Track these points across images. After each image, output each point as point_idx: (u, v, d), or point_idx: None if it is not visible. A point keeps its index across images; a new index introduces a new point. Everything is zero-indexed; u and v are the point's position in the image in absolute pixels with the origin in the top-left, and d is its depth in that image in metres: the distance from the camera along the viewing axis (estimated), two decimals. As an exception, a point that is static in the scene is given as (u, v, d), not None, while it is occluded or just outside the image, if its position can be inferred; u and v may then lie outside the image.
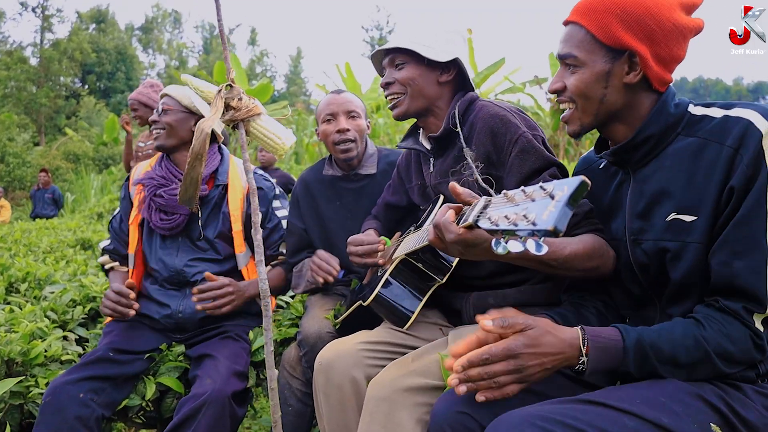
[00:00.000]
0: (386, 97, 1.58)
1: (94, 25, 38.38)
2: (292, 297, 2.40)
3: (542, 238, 0.77)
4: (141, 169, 2.09)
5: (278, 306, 2.36)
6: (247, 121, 1.15)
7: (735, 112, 1.04)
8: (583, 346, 0.98)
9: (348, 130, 1.97)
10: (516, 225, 0.78)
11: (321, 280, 1.80)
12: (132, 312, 1.81)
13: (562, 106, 1.17)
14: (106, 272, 2.20)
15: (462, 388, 0.96)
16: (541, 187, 0.79)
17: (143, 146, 4.67)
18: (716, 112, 1.07)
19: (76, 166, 16.33)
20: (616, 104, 1.12)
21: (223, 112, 1.11)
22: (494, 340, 1.00)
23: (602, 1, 1.10)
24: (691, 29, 1.11)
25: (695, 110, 1.11)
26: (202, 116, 2.03)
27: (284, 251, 2.11)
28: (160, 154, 2.08)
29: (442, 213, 1.03)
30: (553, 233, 0.73)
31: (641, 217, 1.13)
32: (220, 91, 1.10)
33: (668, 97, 1.12)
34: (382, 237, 1.64)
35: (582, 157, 1.44)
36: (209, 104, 1.11)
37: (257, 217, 1.15)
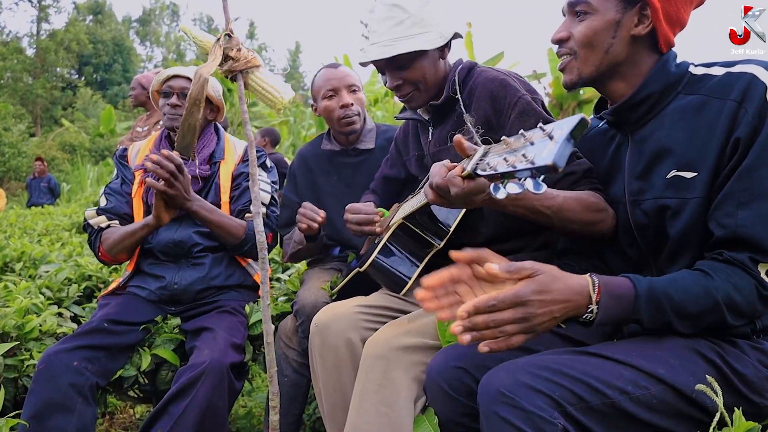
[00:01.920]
0: (397, 97, 1.53)
1: (91, 17, 38.19)
2: (289, 275, 2.39)
3: (541, 177, 0.76)
4: (138, 150, 2.06)
5: (274, 281, 2.35)
6: (245, 73, 1.13)
7: (737, 68, 1.04)
8: (593, 293, 0.94)
9: (352, 104, 1.95)
10: (515, 166, 0.77)
11: (304, 225, 1.75)
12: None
13: (561, 58, 1.17)
14: (93, 232, 1.95)
15: (466, 337, 0.88)
16: (540, 128, 0.78)
17: (141, 131, 4.66)
18: (718, 71, 1.07)
19: (72, 157, 16.27)
20: (619, 56, 1.12)
21: (222, 63, 1.10)
22: (467, 278, 0.96)
23: None
24: None
25: (696, 70, 1.11)
26: (217, 104, 2.03)
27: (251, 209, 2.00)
28: (157, 135, 2.06)
29: (437, 167, 1.03)
30: (552, 169, 0.72)
31: (641, 178, 1.13)
32: (218, 39, 1.08)
33: (670, 57, 1.13)
34: (380, 208, 1.63)
35: None
36: (207, 54, 1.09)
37: (254, 169, 1.13)
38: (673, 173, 1.06)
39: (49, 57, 28.71)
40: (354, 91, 1.98)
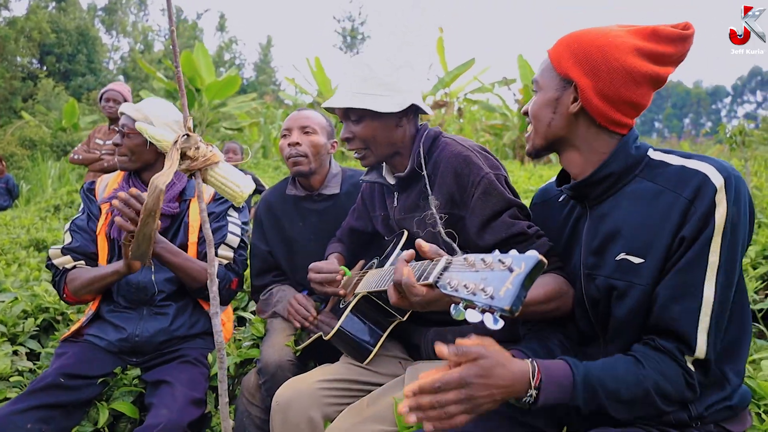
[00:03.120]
0: (349, 149, 1.54)
1: (53, 4, 36.80)
2: (253, 313, 2.37)
3: (498, 313, 0.79)
4: (106, 183, 2.01)
5: (239, 324, 2.33)
6: (204, 170, 1.12)
7: (692, 164, 1.07)
8: (533, 379, 0.99)
9: (299, 144, 1.95)
10: (474, 295, 0.81)
11: (297, 324, 1.82)
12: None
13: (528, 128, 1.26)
14: (58, 273, 1.89)
15: (412, 418, 0.94)
16: (500, 260, 0.81)
17: (102, 144, 4.55)
18: (674, 160, 1.11)
19: (33, 153, 15.66)
20: (560, 131, 1.19)
21: (180, 162, 1.07)
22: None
23: (567, 36, 1.18)
24: (646, 76, 1.10)
25: (654, 155, 1.15)
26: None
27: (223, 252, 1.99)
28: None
29: (400, 270, 1.04)
30: (509, 312, 0.75)
31: (595, 254, 1.17)
32: (176, 141, 1.06)
33: (630, 139, 1.16)
34: (342, 267, 1.64)
35: (540, 189, 1.46)
36: (165, 153, 1.07)
37: (209, 232, 1.10)
38: (622, 256, 1.11)
39: (8, 45, 27.54)
40: (307, 132, 1.98)
